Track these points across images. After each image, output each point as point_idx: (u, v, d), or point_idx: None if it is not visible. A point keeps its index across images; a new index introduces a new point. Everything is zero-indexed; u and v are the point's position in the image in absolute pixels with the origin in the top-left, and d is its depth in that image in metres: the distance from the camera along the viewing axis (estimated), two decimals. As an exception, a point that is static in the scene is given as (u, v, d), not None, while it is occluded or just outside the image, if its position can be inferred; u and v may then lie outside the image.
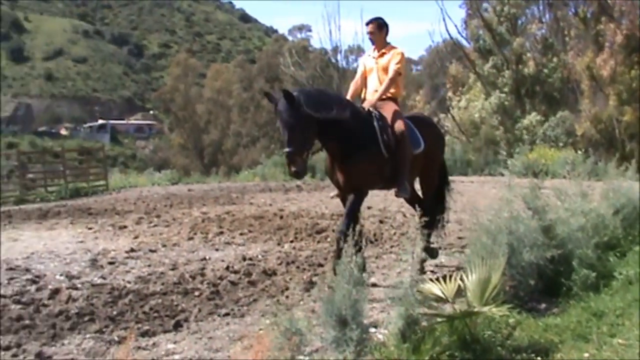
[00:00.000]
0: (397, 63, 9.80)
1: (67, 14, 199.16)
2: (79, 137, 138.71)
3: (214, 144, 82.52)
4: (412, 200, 10.55)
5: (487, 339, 5.78)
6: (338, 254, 8.37)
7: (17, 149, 58.71)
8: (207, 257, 11.46)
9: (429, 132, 10.12)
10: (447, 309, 5.87)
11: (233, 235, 14.02)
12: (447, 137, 44.21)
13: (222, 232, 14.51)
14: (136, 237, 14.22)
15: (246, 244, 12.94)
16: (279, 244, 12.80)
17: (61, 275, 10.38)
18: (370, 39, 10.08)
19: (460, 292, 5.95)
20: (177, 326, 7.48)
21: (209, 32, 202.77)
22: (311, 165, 38.31)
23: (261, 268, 10.46)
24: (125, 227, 16.10)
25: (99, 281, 9.90)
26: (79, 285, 9.58)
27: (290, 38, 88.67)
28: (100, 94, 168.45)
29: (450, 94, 48.86)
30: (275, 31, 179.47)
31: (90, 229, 16.24)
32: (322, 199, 21.95)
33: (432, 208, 10.08)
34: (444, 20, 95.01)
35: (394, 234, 13.42)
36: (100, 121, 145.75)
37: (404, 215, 16.12)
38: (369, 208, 17.72)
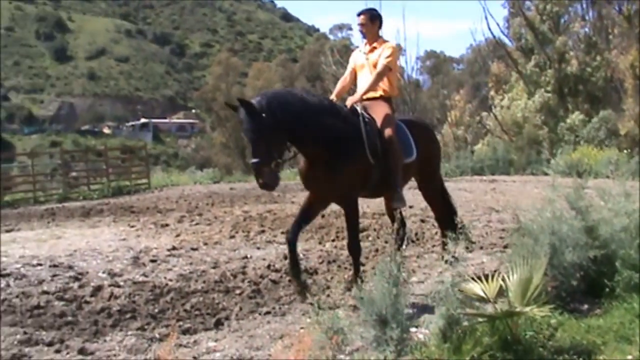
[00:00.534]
0: (388, 57, 9.04)
1: (109, 14, 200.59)
2: (122, 135, 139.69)
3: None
4: (389, 211, 9.84)
5: (529, 339, 5.73)
6: (291, 260, 8.56)
7: (60, 147, 59.31)
8: (249, 256, 11.49)
9: (424, 137, 9.50)
10: (489, 309, 5.84)
11: (274, 233, 14.04)
12: (489, 137, 44.11)
13: (263, 231, 14.54)
14: (178, 236, 14.29)
15: (287, 243, 12.94)
16: (320, 243, 12.79)
17: (104, 272, 10.46)
18: (361, 31, 9.35)
19: (501, 292, 5.91)
20: (218, 324, 7.51)
21: (251, 31, 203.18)
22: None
23: (302, 266, 10.47)
24: (167, 225, 16.19)
25: (141, 279, 9.96)
26: (121, 283, 9.65)
27: (331, 37, 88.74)
28: (143, 93, 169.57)
29: (492, 93, 48.50)
30: (317, 30, 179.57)
31: (132, 227, 16.35)
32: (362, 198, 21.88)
33: (446, 215, 9.69)
34: (486, 18, 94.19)
35: (436, 233, 13.33)
36: (143, 120, 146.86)
37: (446, 215, 16.04)
38: (410, 207, 17.63)
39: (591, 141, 35.36)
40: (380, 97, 9.14)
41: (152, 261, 11.25)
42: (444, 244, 8.70)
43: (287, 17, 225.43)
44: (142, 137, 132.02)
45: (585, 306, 7.27)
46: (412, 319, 5.50)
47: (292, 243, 8.53)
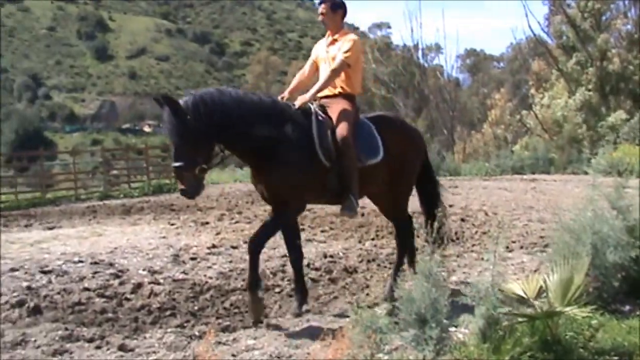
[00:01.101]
0: (346, 52, 8.15)
1: (150, 13, 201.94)
2: (162, 134, 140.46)
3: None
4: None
5: (569, 340, 5.69)
6: (251, 267, 7.68)
7: (101, 146, 59.67)
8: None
9: (396, 137, 8.47)
10: (528, 309, 5.80)
11: (314, 232, 14.05)
12: (529, 136, 43.80)
13: (303, 229, 14.52)
14: (218, 234, 14.33)
15: (327, 241, 12.96)
16: (360, 242, 12.79)
17: (144, 270, 10.52)
18: (322, 21, 8.49)
19: (541, 292, 5.87)
20: (258, 322, 7.53)
21: (290, 29, 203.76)
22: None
23: (342, 265, 10.48)
24: (207, 223, 16.25)
25: (181, 276, 10.01)
26: (161, 280, 9.71)
27: (370, 35, 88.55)
28: (183, 92, 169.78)
29: (532, 91, 48.21)
30: (356, 28, 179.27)
31: (172, 225, 16.44)
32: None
33: (408, 229, 8.97)
34: (526, 16, 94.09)
35: (476, 232, 13.30)
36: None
37: (486, 214, 15.98)
38: (450, 206, 17.58)
39: (632, 140, 35.01)
40: (340, 95, 8.29)
41: (192, 259, 11.29)
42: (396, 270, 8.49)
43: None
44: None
45: (627, 307, 7.20)
46: (452, 319, 5.47)
47: (255, 253, 7.74)
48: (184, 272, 10.31)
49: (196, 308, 8.11)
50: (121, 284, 9.56)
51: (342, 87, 8.29)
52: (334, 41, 8.41)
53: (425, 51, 67.88)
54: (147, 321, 7.64)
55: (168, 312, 7.99)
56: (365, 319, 5.35)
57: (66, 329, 7.16)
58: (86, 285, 9.45)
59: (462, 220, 15.08)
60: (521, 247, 11.38)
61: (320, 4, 8.46)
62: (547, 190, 21.42)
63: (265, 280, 9.55)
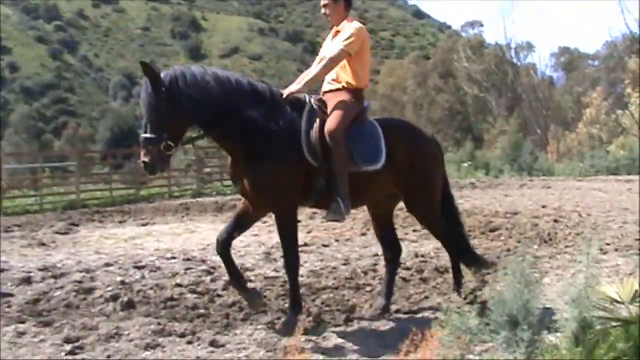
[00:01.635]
0: (347, 40, 7.49)
1: (242, 13, 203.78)
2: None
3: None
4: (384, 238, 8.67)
5: (666, 345, 5.57)
6: (230, 272, 7.57)
7: (194, 144, 60.24)
8: (380, 253, 11.44)
9: (406, 145, 7.79)
10: (623, 312, 5.68)
11: (406, 231, 13.99)
12: (624, 136, 42.93)
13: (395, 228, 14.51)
14: (310, 232, 14.40)
15: (419, 241, 12.91)
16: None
17: (236, 267, 10.62)
18: (325, 14, 7.87)
19: (637, 296, 5.75)
20: (348, 321, 7.54)
21: (383, 28, 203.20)
22: (485, 162, 38.06)
23: (433, 265, 10.42)
24: (299, 221, 16.30)
25: (272, 274, 10.10)
26: (253, 278, 9.80)
27: (463, 34, 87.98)
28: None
29: (628, 90, 47.22)
30: (449, 27, 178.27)
31: (264, 223, 16.51)
32: (496, 197, 21.65)
33: (448, 234, 8.31)
34: (622, 14, 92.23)
35: (569, 234, 13.07)
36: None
37: (580, 215, 15.71)
38: (544, 207, 17.36)
39: None
40: (344, 89, 7.60)
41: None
42: (456, 279, 8.38)
43: (419, 14, 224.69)
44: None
45: None
46: (544, 321, 5.38)
47: (223, 255, 7.50)
48: (275, 270, 10.39)
49: (287, 306, 8.13)
50: (213, 280, 9.68)
51: (347, 82, 7.61)
52: (337, 33, 7.82)
53: (518, 49, 67.25)
54: (238, 318, 7.70)
55: (259, 309, 8.04)
56: (456, 319, 5.31)
57: (159, 323, 7.29)
58: (179, 281, 9.61)
59: (556, 221, 14.84)
60: (616, 250, 11.16)
61: None
62: (643, 192, 20.98)
63: (357, 279, 9.57)
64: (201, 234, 14.88)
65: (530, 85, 62.13)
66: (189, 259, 11.36)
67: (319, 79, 7.69)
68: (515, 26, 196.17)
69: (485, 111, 67.62)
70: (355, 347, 6.56)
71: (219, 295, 8.81)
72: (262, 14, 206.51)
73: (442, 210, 8.34)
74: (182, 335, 6.96)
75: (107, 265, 10.86)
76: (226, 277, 9.64)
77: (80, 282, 9.67)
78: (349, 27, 7.63)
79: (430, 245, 12.18)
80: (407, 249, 11.79)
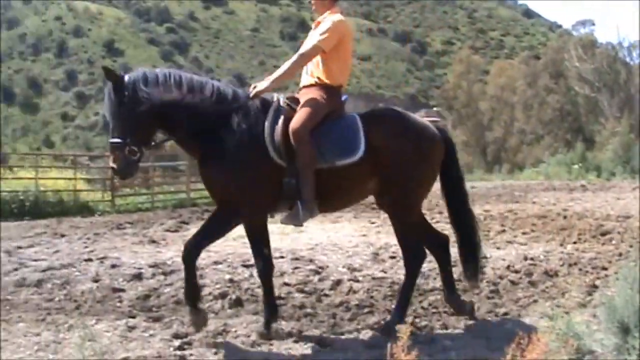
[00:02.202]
0: (323, 34, 7.19)
1: (351, 13, 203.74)
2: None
3: (497, 141, 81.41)
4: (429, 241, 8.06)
5: None
6: (189, 281, 7.07)
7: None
8: (488, 256, 11.32)
9: (388, 133, 7.21)
10: None
11: (515, 234, 13.84)
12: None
13: (504, 231, 14.35)
14: (418, 233, 14.30)
15: (528, 244, 12.74)
16: (561, 245, 12.50)
17: (343, 267, 10.64)
18: (310, 2, 7.85)
19: None
20: (455, 323, 7.45)
21: (492, 28, 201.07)
22: (596, 164, 37.37)
23: (542, 269, 10.24)
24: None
25: (380, 275, 10.06)
26: (360, 278, 9.79)
27: (574, 33, 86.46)
28: (385, 91, 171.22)
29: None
30: (559, 26, 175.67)
31: (373, 223, 16.54)
32: (607, 200, 21.26)
33: (416, 248, 7.59)
34: None
35: (692, 236, 12.73)
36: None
37: None
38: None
39: None
40: (316, 85, 7.26)
41: (392, 257, 11.31)
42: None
43: (529, 13, 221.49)
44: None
45: None
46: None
47: (190, 261, 7.04)
48: (382, 271, 10.36)
49: (394, 307, 8.08)
50: (320, 280, 9.70)
51: (318, 77, 7.26)
52: (317, 24, 7.54)
53: (631, 48, 65.68)
54: (345, 318, 7.71)
55: (366, 310, 8.04)
56: (563, 324, 5.19)
57: (266, 322, 7.31)
58: (286, 280, 9.65)
59: (676, 224, 14.44)
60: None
61: None
62: None
63: (463, 281, 9.45)
64: (309, 233, 14.90)
65: (644, 85, 60.70)
66: (296, 259, 11.40)
67: (289, 76, 7.37)
68: (628, 25, 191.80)
69: (597, 112, 66.27)
70: (462, 350, 6.48)
71: (326, 295, 8.84)
72: (371, 14, 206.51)
73: (449, 210, 8.39)
74: (289, 334, 7.03)
75: (216, 263, 10.98)
76: (334, 277, 9.68)
77: (189, 279, 9.81)
78: (327, 21, 7.38)
79: (540, 248, 12.00)
80: (515, 251, 11.67)
